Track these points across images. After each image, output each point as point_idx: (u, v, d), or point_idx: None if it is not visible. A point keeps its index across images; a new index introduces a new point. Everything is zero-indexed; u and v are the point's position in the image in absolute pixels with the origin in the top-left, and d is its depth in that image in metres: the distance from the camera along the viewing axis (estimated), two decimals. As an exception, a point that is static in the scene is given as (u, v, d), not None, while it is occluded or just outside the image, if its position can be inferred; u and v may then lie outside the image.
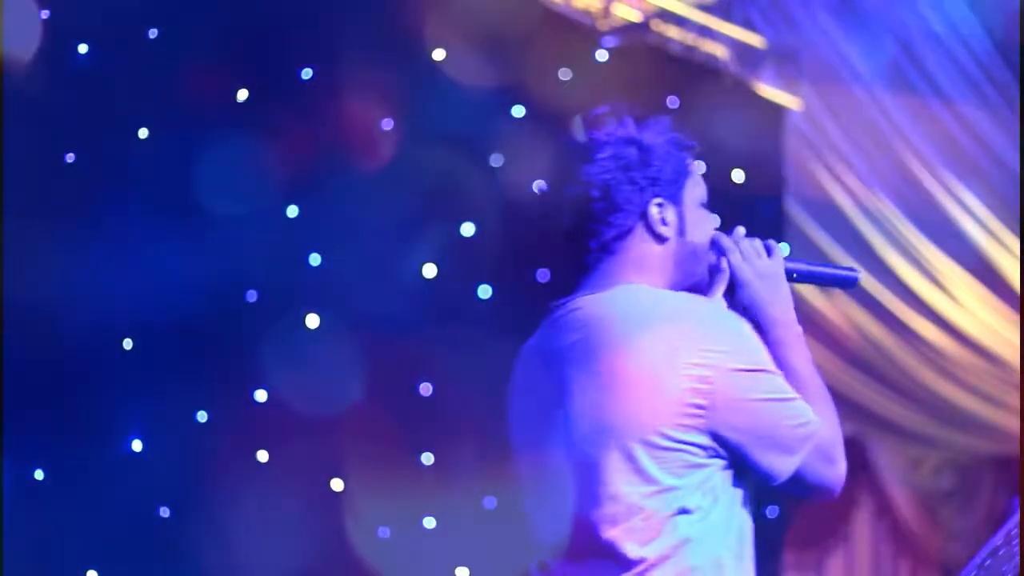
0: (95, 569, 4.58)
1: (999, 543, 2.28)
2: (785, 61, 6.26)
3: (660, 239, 2.36)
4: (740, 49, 6.20)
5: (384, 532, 4.88)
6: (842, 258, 6.98)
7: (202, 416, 4.76)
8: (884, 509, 8.92)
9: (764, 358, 2.25)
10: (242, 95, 4.83)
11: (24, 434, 4.40)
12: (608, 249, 2.36)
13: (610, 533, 2.24)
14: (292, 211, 4.91)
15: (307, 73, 4.95)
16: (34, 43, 4.33)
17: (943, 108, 6.19)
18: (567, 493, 2.33)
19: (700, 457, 2.22)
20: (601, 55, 5.73)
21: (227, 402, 4.78)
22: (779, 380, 2.25)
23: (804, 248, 6.77)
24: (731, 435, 2.21)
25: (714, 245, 2.42)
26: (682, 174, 2.40)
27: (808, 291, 7.14)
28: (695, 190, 2.43)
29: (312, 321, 4.90)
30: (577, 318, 2.34)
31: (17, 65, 4.24)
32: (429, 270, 4.99)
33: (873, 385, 7.76)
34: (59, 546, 4.50)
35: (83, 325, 4.44)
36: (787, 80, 6.30)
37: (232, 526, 4.57)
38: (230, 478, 4.66)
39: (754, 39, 6.22)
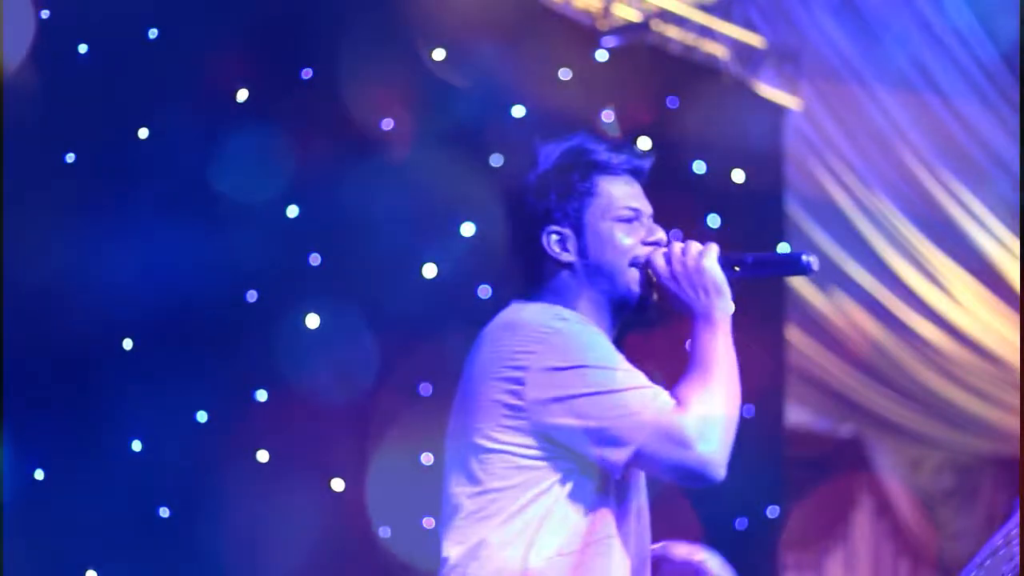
0: (95, 569, 4.58)
1: (999, 543, 2.28)
2: (785, 61, 6.26)
3: (562, 264, 2.40)
4: (740, 49, 6.20)
5: (384, 532, 4.89)
6: (842, 258, 6.99)
7: (202, 416, 4.76)
8: (884, 509, 8.93)
9: (595, 355, 2.26)
10: (242, 95, 4.83)
11: (24, 434, 4.40)
12: (525, 275, 2.43)
13: (444, 532, 2.40)
14: (292, 211, 4.91)
15: (307, 73, 4.95)
16: (28, 41, 4.32)
17: (943, 108, 6.19)
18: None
19: (527, 458, 2.26)
20: (601, 55, 5.73)
21: (227, 402, 4.78)
22: (607, 374, 2.25)
23: (804, 248, 6.77)
24: (556, 433, 2.24)
25: (635, 259, 2.42)
26: (583, 196, 2.41)
27: (808, 291, 7.14)
28: (605, 209, 2.42)
29: (312, 321, 4.90)
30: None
31: (14, 63, 4.23)
32: (429, 270, 4.99)
33: (873, 385, 7.77)
34: (59, 546, 4.49)
35: (83, 325, 4.43)
36: (787, 80, 6.30)
37: (232, 526, 4.58)
38: (230, 478, 4.67)
39: (754, 39, 6.22)
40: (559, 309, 2.35)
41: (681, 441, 2.24)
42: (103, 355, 4.57)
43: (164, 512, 4.70)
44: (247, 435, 4.81)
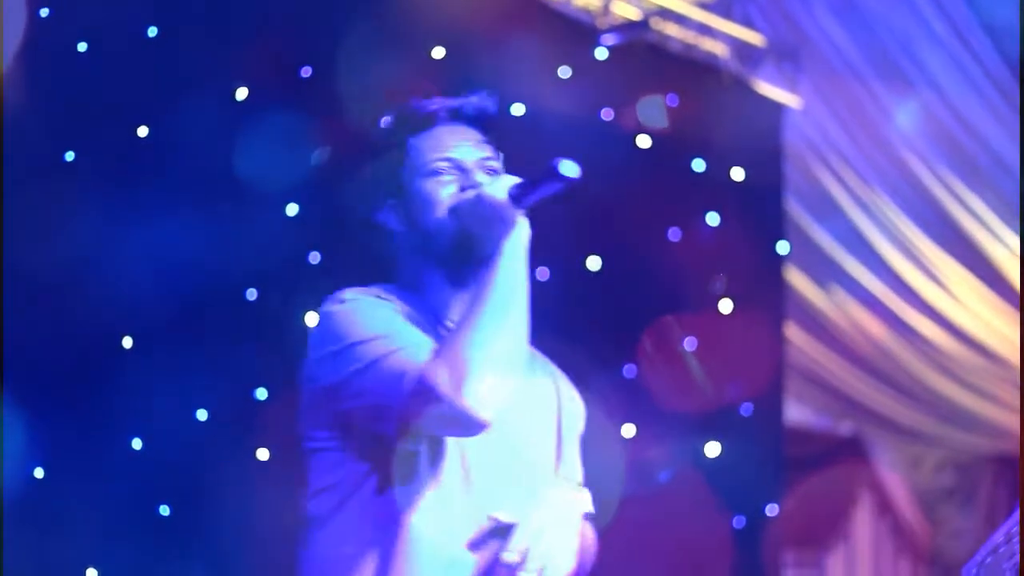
0: (95, 568, 4.58)
1: (999, 541, 2.28)
2: (785, 59, 6.26)
3: (393, 235, 2.38)
4: (740, 47, 6.20)
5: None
6: (842, 258, 6.99)
7: (202, 415, 4.76)
8: (884, 507, 8.94)
9: (362, 329, 2.20)
10: (241, 93, 4.83)
11: (24, 433, 4.40)
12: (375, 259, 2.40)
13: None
14: (292, 209, 4.91)
15: (307, 71, 4.95)
16: (21, 39, 4.32)
17: (943, 107, 6.19)
18: None
19: (337, 452, 2.23)
20: (601, 54, 5.73)
21: (227, 400, 4.78)
22: (372, 346, 2.18)
23: (804, 248, 6.78)
24: (341, 418, 2.21)
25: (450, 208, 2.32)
26: (401, 160, 2.37)
27: (808, 292, 7.14)
28: (420, 166, 2.36)
29: (312, 319, 4.90)
30: None
31: (12, 62, 4.23)
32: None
33: (873, 383, 7.77)
34: (59, 545, 4.49)
35: (83, 324, 4.43)
36: (787, 78, 6.30)
37: (233, 524, 4.57)
38: (231, 476, 4.67)
39: (754, 37, 6.22)
40: (349, 292, 2.30)
41: (435, 395, 2.10)
42: (103, 354, 4.57)
43: (165, 510, 4.70)
44: (247, 433, 4.81)
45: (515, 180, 2.28)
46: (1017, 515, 2.26)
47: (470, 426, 2.13)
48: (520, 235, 2.26)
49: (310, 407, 2.27)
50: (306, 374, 2.27)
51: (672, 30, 6.03)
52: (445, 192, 2.33)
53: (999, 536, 2.29)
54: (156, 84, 4.58)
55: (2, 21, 4.23)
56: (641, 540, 5.35)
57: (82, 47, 4.54)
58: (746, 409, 5.90)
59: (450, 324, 2.30)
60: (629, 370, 5.58)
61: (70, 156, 4.50)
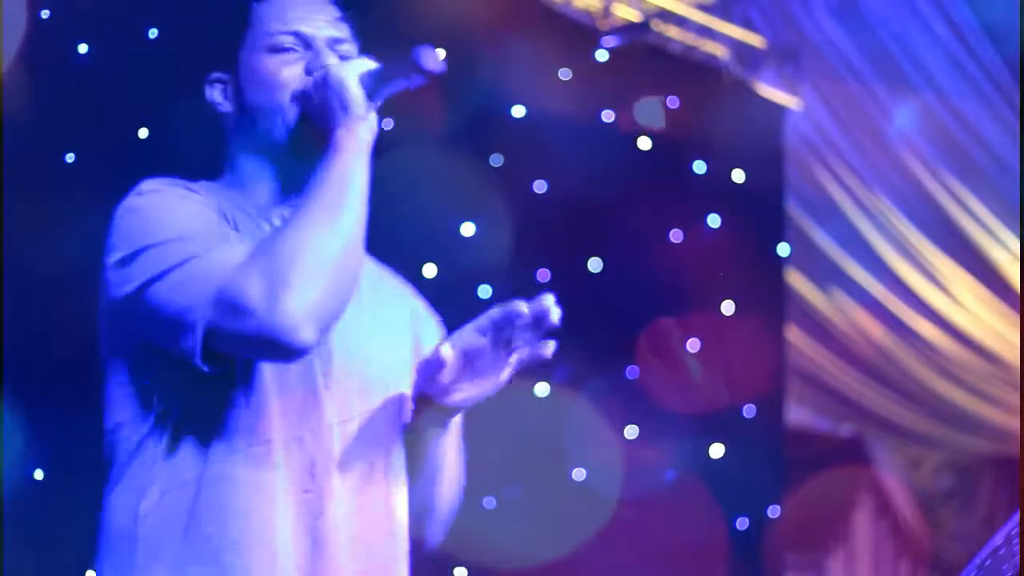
0: (95, 569, 4.58)
1: (999, 543, 2.27)
2: (785, 61, 6.25)
3: (224, 118, 2.02)
4: (740, 49, 6.19)
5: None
6: (843, 260, 6.98)
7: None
8: (884, 509, 8.93)
9: (164, 230, 1.83)
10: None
11: (24, 433, 4.40)
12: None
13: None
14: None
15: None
16: (19, 37, 4.31)
17: (943, 108, 6.19)
18: None
19: (130, 381, 1.87)
20: (601, 55, 5.73)
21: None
22: (174, 248, 1.81)
23: (804, 248, 6.77)
24: (138, 335, 1.85)
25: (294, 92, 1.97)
26: (238, 29, 2.00)
27: (809, 294, 7.14)
28: (259, 38, 1.99)
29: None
30: None
31: (11, 63, 4.23)
32: (429, 270, 4.99)
33: (873, 385, 7.77)
34: (59, 546, 4.49)
35: (83, 324, 4.43)
36: (787, 80, 6.30)
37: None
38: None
39: (754, 39, 6.22)
40: (152, 182, 1.93)
41: (240, 307, 1.73)
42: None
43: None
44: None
45: (371, 65, 1.97)
46: (1017, 517, 2.26)
47: (285, 349, 1.75)
48: (364, 129, 1.95)
49: (107, 328, 1.91)
50: (100, 286, 1.88)
51: (672, 32, 6.03)
52: (287, 72, 1.97)
53: (999, 538, 2.28)
54: (156, 84, 4.58)
55: (2, 21, 4.22)
56: (642, 541, 5.35)
57: (82, 48, 4.54)
58: (748, 411, 5.90)
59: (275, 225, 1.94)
60: (631, 372, 5.57)
61: (70, 157, 4.50)
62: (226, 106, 2.00)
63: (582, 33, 5.74)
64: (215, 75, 2.01)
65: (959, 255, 6.85)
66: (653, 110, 5.71)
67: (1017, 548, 2.22)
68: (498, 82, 5.17)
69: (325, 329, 1.80)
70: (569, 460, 5.24)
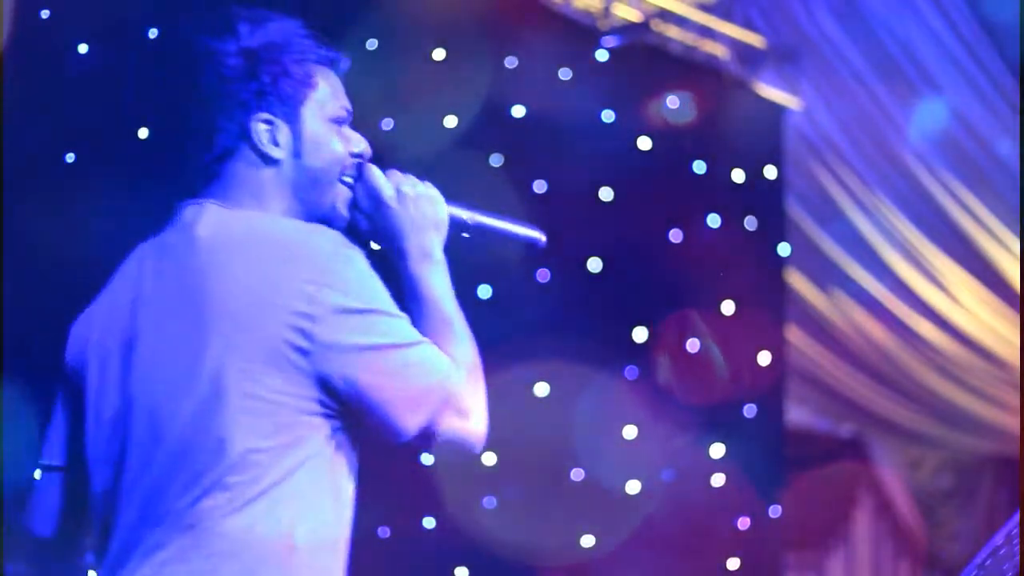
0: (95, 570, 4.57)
1: (999, 543, 2.27)
2: (785, 61, 6.26)
3: (269, 161, 2.04)
4: (741, 49, 6.20)
5: (384, 532, 4.88)
6: (843, 260, 6.98)
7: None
8: (884, 509, 8.93)
9: (382, 299, 1.95)
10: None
11: (24, 433, 4.39)
12: (211, 172, 2.06)
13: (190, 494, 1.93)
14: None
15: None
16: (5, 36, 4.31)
17: (944, 110, 6.19)
18: (136, 452, 1.97)
19: (300, 412, 1.92)
20: (601, 55, 5.73)
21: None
22: (399, 324, 1.95)
23: (804, 248, 6.77)
24: (341, 385, 1.91)
25: (345, 170, 2.09)
26: (301, 86, 2.05)
27: (809, 294, 7.14)
28: (323, 105, 2.07)
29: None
30: (181, 239, 2.04)
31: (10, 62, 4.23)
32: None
33: (873, 385, 7.77)
34: (59, 546, 4.49)
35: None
36: (787, 80, 6.30)
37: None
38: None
39: (754, 39, 6.22)
40: (327, 229, 1.99)
41: (462, 410, 1.97)
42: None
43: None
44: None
45: (434, 192, 2.15)
46: (1017, 517, 2.26)
47: (466, 453, 2.02)
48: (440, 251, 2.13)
49: (277, 349, 1.90)
50: (286, 309, 1.90)
51: (673, 32, 6.03)
52: (341, 147, 2.09)
53: (999, 538, 2.28)
54: (156, 84, 4.58)
55: (2, 21, 4.22)
56: (643, 541, 5.35)
57: (82, 48, 4.54)
58: (748, 411, 5.90)
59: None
60: (631, 371, 5.57)
61: (70, 157, 4.50)
62: (276, 153, 2.04)
63: (582, 33, 5.74)
64: (263, 115, 2.04)
65: (959, 255, 6.85)
66: (684, 104, 5.73)
67: (1017, 548, 2.22)
68: (498, 82, 5.17)
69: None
70: (569, 460, 5.25)
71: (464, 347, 2.02)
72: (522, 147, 5.31)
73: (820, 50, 6.18)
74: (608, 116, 5.64)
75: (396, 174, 2.14)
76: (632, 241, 5.61)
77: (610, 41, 5.74)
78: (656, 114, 5.73)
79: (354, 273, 1.94)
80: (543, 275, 5.11)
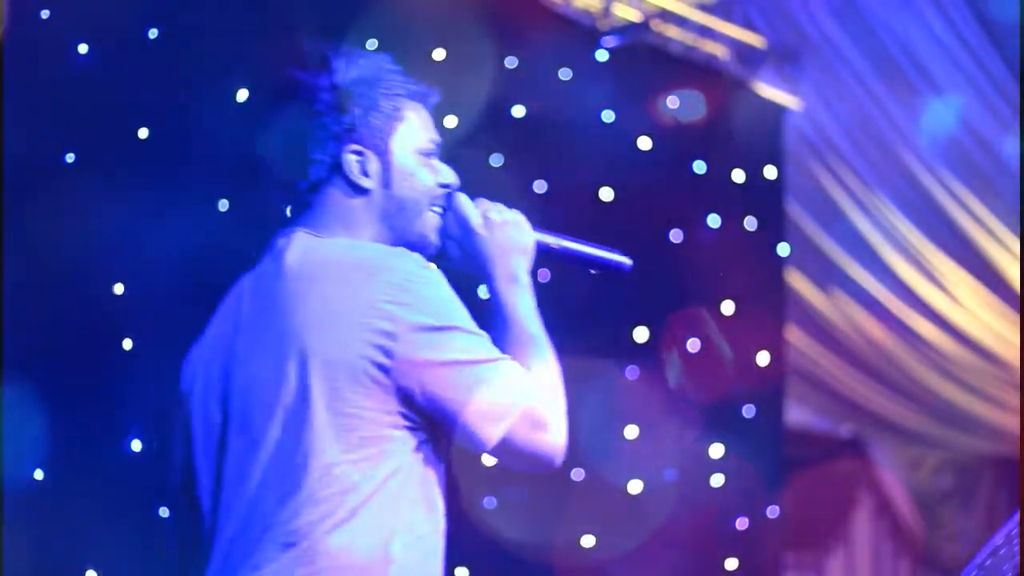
0: (95, 569, 4.58)
1: (999, 543, 2.27)
2: (785, 61, 6.26)
3: (360, 191, 2.16)
4: (741, 49, 6.19)
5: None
6: (843, 260, 6.98)
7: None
8: (884, 509, 8.93)
9: (460, 317, 2.06)
10: (242, 95, 4.83)
11: (24, 433, 4.40)
12: (303, 201, 2.18)
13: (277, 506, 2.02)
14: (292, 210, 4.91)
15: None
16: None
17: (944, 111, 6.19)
18: (244, 465, 2.06)
19: (385, 427, 2.01)
20: (601, 55, 5.73)
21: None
22: (477, 341, 2.06)
23: (804, 248, 6.77)
24: (422, 399, 2.00)
25: (435, 200, 2.22)
26: (390, 119, 2.18)
27: (809, 294, 7.14)
28: (411, 138, 2.21)
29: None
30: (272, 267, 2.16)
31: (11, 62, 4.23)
32: (429, 270, 4.99)
33: (873, 385, 7.77)
34: (59, 546, 4.49)
35: (83, 324, 4.43)
36: (787, 80, 6.30)
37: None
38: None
39: (754, 39, 6.22)
40: (407, 251, 2.10)
41: (542, 424, 2.07)
42: (103, 354, 4.57)
43: (164, 512, 4.69)
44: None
45: (520, 218, 2.26)
46: (1017, 517, 2.26)
47: (550, 466, 2.12)
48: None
49: (359, 367, 1.99)
50: (367, 327, 2.00)
51: (673, 32, 6.03)
52: (430, 179, 2.22)
53: (999, 538, 2.28)
54: (156, 84, 4.58)
55: (1, 21, 4.23)
56: (643, 541, 5.35)
57: (82, 48, 4.54)
58: (748, 411, 5.90)
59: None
60: (631, 371, 5.57)
61: (70, 157, 4.50)
62: (366, 183, 2.16)
63: (582, 33, 5.74)
64: (354, 147, 2.15)
65: (959, 255, 6.85)
66: (693, 102, 5.74)
67: (1017, 548, 2.22)
68: (498, 82, 5.17)
69: None
70: (569, 460, 5.24)
71: (546, 365, 2.12)
72: (522, 147, 5.31)
73: (820, 50, 6.18)
74: (608, 116, 5.64)
75: (484, 202, 2.26)
76: (632, 241, 5.59)
77: (610, 41, 5.74)
78: (656, 114, 5.74)
79: (432, 292, 2.05)
80: (543, 275, 5.11)
